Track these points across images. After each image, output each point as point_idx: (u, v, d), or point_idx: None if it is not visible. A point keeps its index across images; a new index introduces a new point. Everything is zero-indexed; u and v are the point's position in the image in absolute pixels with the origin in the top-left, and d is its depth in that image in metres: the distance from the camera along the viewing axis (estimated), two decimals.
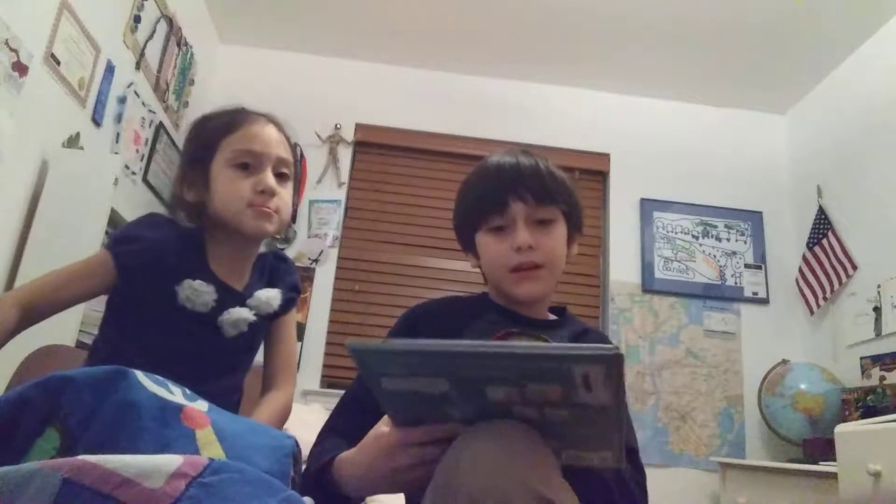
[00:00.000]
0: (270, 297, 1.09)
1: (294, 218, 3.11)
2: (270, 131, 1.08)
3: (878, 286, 2.65)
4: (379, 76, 3.39)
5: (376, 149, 3.33)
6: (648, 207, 3.30)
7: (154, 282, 0.99)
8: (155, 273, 0.99)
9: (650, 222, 3.27)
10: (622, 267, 3.20)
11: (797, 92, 3.34)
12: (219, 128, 1.06)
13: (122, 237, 1.04)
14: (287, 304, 1.13)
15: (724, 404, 3.03)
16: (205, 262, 1.04)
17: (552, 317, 1.04)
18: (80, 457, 0.54)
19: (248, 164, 1.03)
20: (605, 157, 3.37)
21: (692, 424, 2.99)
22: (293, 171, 1.11)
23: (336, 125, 3.27)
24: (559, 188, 0.96)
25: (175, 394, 0.68)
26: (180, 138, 2.98)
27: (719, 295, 3.18)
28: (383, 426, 0.71)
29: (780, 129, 3.50)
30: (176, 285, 0.99)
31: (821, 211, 3.05)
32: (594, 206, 3.33)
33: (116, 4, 2.32)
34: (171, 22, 2.72)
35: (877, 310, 2.64)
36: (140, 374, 0.67)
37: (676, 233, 3.27)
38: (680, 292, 3.17)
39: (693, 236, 3.28)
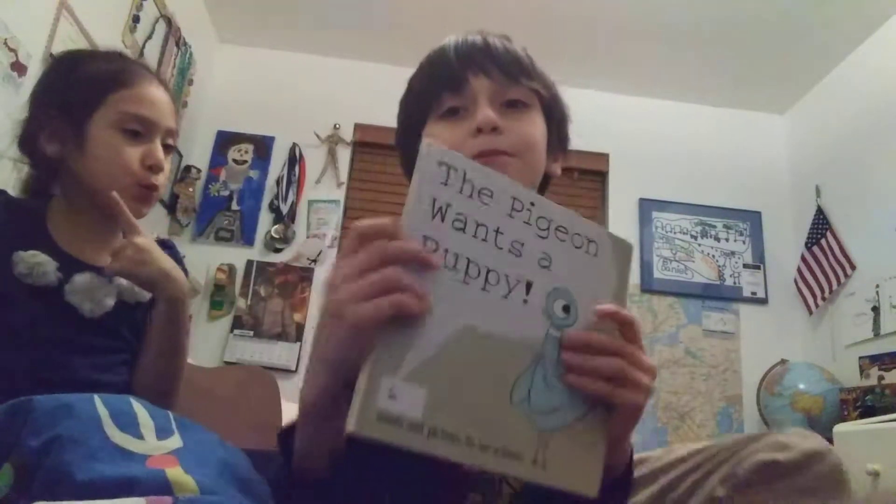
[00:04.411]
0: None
1: (293, 217, 3.11)
2: (162, 95, 0.96)
3: (877, 286, 2.65)
4: (379, 76, 3.39)
5: (375, 149, 3.32)
6: (647, 207, 3.30)
7: None
8: None
9: (649, 222, 3.28)
10: None
11: (796, 92, 3.34)
12: (104, 79, 0.91)
13: None
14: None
15: (722, 404, 3.04)
16: (45, 234, 0.90)
17: None
18: (37, 503, 0.52)
19: (137, 132, 0.91)
20: (604, 157, 3.37)
21: (691, 424, 2.99)
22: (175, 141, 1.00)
23: (335, 125, 3.27)
24: (538, 72, 0.79)
25: (145, 436, 0.63)
26: (179, 138, 2.98)
27: (718, 295, 3.18)
28: None
29: (779, 129, 3.51)
30: (8, 261, 0.85)
31: (819, 211, 3.05)
32: (593, 206, 3.33)
33: (115, 4, 2.32)
34: (169, 22, 2.72)
35: (875, 310, 2.64)
36: (102, 406, 0.63)
37: (675, 233, 3.27)
38: (679, 292, 3.17)
39: (692, 236, 3.28)
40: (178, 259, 1.04)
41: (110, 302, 0.90)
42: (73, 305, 0.88)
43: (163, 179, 0.93)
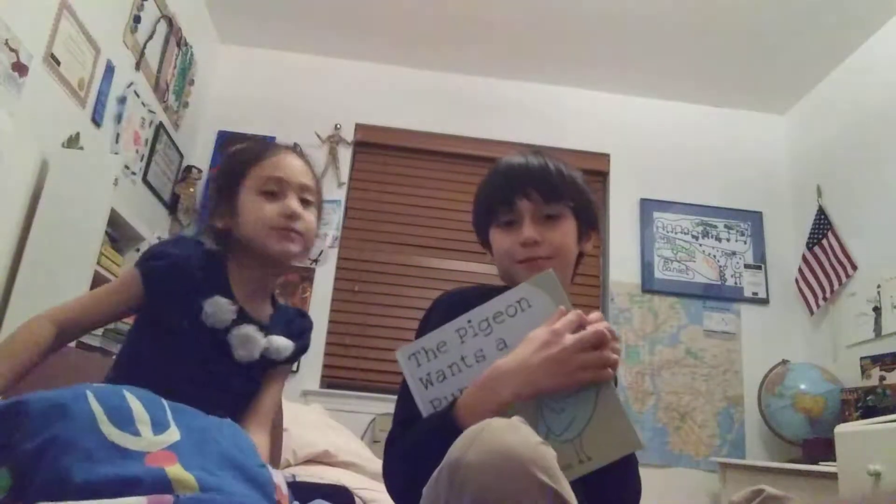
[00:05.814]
0: (284, 346, 1.12)
1: None
2: (294, 160, 1.13)
3: (878, 286, 2.65)
4: (379, 76, 3.39)
5: (376, 149, 3.33)
6: (648, 207, 3.30)
7: (179, 296, 1.02)
8: (181, 287, 1.02)
9: (650, 222, 3.27)
10: (622, 267, 3.20)
11: (797, 92, 3.34)
12: (247, 158, 1.11)
13: (149, 254, 1.08)
14: (293, 357, 1.17)
15: (723, 404, 3.03)
16: (227, 283, 1.08)
17: None
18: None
19: (274, 191, 1.08)
20: (604, 158, 3.37)
21: (692, 424, 2.99)
22: (317, 199, 1.16)
23: (336, 125, 3.27)
24: (567, 186, 1.02)
25: (142, 432, 0.64)
26: (180, 138, 2.98)
27: (719, 295, 3.18)
28: (541, 331, 0.80)
29: (780, 129, 3.50)
30: (203, 300, 1.03)
31: (820, 211, 3.05)
32: None
33: (116, 4, 2.32)
34: (170, 22, 2.72)
35: (876, 310, 2.64)
36: (96, 403, 0.64)
37: (676, 233, 3.27)
38: (680, 292, 3.17)
39: (693, 236, 3.28)
40: (309, 328, 1.21)
41: (257, 354, 1.07)
42: (228, 347, 1.04)
43: (303, 226, 1.08)
